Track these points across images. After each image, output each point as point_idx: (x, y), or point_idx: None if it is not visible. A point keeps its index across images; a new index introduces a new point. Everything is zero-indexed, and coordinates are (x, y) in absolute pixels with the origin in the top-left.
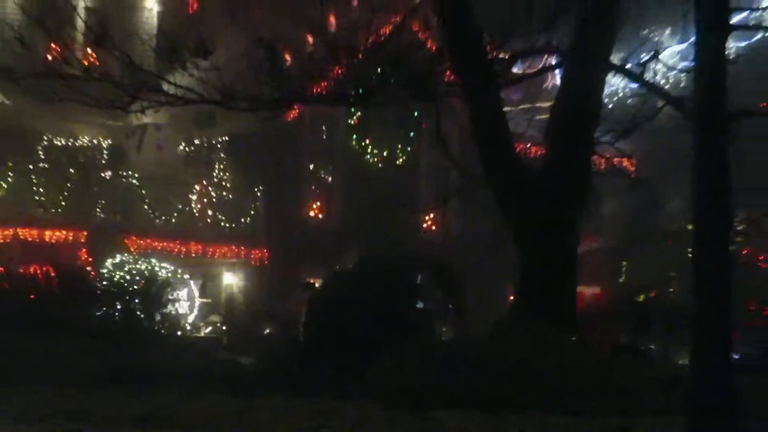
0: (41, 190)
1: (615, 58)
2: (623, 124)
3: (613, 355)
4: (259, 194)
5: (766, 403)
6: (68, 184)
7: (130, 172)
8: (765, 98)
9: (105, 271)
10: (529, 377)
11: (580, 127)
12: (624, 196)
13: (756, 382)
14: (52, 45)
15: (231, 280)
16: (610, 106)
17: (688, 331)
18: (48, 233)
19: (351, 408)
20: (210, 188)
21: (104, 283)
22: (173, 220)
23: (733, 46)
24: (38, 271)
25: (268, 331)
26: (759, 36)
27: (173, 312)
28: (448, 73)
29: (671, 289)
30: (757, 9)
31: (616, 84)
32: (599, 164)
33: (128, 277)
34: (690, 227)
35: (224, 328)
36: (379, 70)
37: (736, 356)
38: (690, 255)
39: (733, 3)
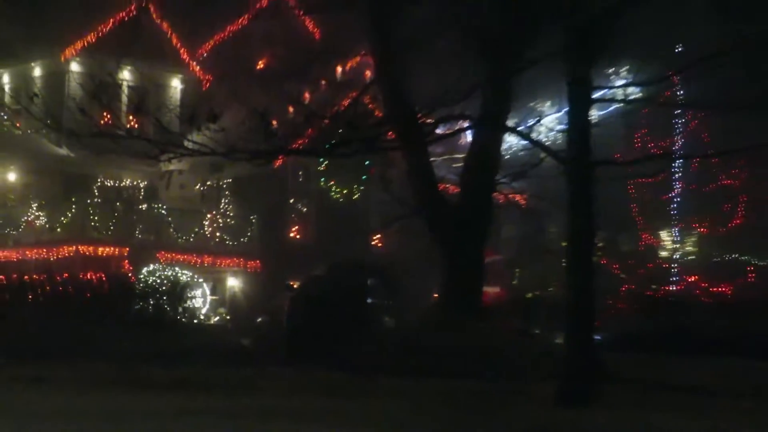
0: (96, 217)
1: (510, 122)
2: (516, 169)
3: (508, 337)
4: (254, 220)
5: (616, 371)
6: (115, 214)
7: (160, 205)
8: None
9: (141, 276)
10: (447, 353)
11: (485, 172)
12: (517, 222)
13: (611, 357)
14: (105, 113)
15: (233, 282)
16: (507, 156)
17: (562, 320)
18: (101, 249)
19: (320, 374)
20: (218, 216)
21: (141, 285)
22: (191, 240)
23: (595, 113)
24: (93, 277)
25: (260, 319)
26: (614, 107)
27: (191, 306)
28: (390, 133)
29: (551, 289)
30: (612, 87)
31: (511, 141)
32: (499, 199)
33: (158, 281)
34: (564, 244)
35: (228, 317)
36: (340, 131)
37: (597, 337)
38: (564, 264)
39: (593, 81)
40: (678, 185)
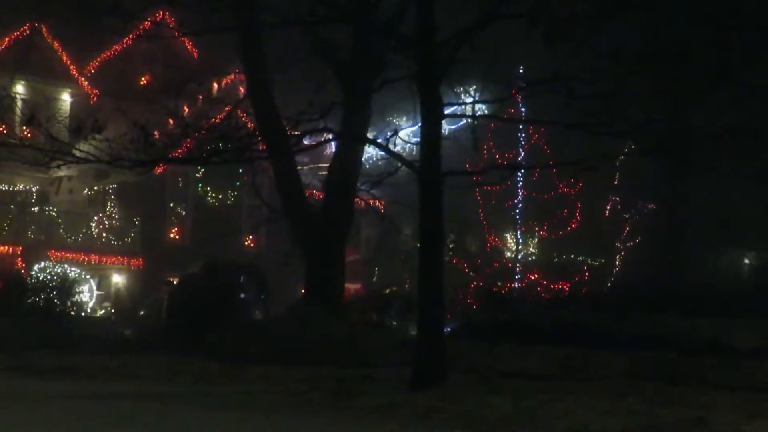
0: None
1: (370, 134)
2: (375, 177)
3: (366, 329)
4: (137, 222)
5: (461, 359)
6: (9, 216)
7: (51, 208)
8: (468, 162)
9: (33, 273)
10: (306, 343)
11: (347, 180)
12: (375, 225)
13: (457, 346)
14: None
15: (118, 279)
16: (367, 166)
17: (415, 312)
18: None
19: (193, 361)
20: (104, 218)
21: (33, 281)
22: (80, 240)
23: (446, 127)
24: None
25: (142, 312)
26: (463, 122)
27: (79, 300)
28: (260, 144)
29: (406, 286)
30: (461, 104)
31: (370, 151)
32: (360, 204)
33: (49, 277)
34: (418, 245)
35: (113, 310)
36: (215, 141)
37: (447, 329)
38: (417, 263)
39: (445, 99)
40: (521, 192)
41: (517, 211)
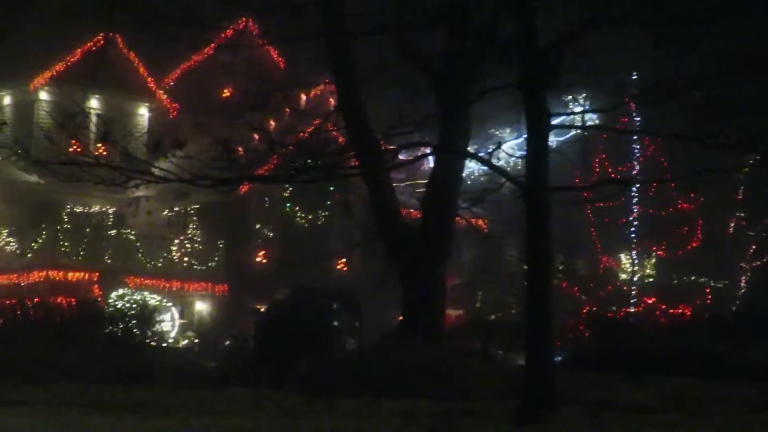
0: (65, 243)
1: (471, 148)
2: (476, 194)
3: (468, 358)
4: (220, 245)
5: (573, 391)
6: (85, 239)
7: (128, 231)
8: (578, 176)
9: (111, 300)
10: (403, 375)
11: (446, 197)
12: (478, 246)
13: (569, 378)
14: (73, 142)
15: (201, 306)
16: (468, 182)
17: (522, 341)
18: (70, 274)
19: (281, 395)
20: (185, 241)
21: (110, 309)
22: (159, 264)
23: (554, 139)
24: (63, 302)
25: (227, 342)
26: (572, 133)
27: (160, 329)
28: (353, 160)
29: (512, 311)
30: (570, 114)
31: (472, 166)
32: (461, 223)
33: (127, 305)
34: (525, 267)
35: (196, 340)
36: (304, 158)
37: (557, 358)
38: (524, 287)
39: (552, 109)
40: (636, 209)
41: (632, 229)
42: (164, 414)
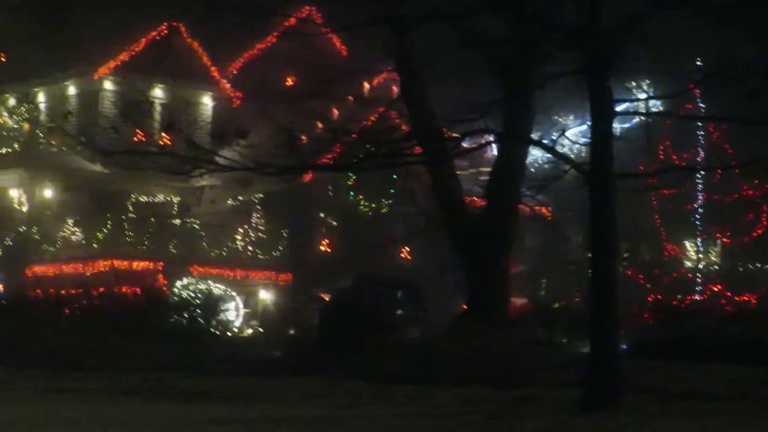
0: (130, 233)
1: (535, 135)
2: (540, 182)
3: (532, 346)
4: (284, 234)
5: (637, 378)
6: (149, 229)
7: (193, 220)
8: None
9: (175, 290)
10: (467, 362)
11: (510, 185)
12: (541, 233)
13: (634, 365)
14: (137, 131)
15: (265, 295)
16: (532, 169)
17: (586, 329)
18: (135, 263)
19: (345, 383)
20: (249, 230)
21: (175, 298)
22: (224, 253)
23: (618, 126)
24: (128, 291)
25: (291, 332)
26: (635, 120)
27: (224, 318)
28: (416, 147)
29: (576, 299)
30: (633, 100)
31: (535, 153)
32: (524, 211)
33: (192, 294)
34: (589, 255)
35: (261, 330)
36: (367, 146)
37: (623, 346)
38: (589, 275)
39: (616, 95)
40: (701, 196)
41: (697, 216)
42: (227, 401)
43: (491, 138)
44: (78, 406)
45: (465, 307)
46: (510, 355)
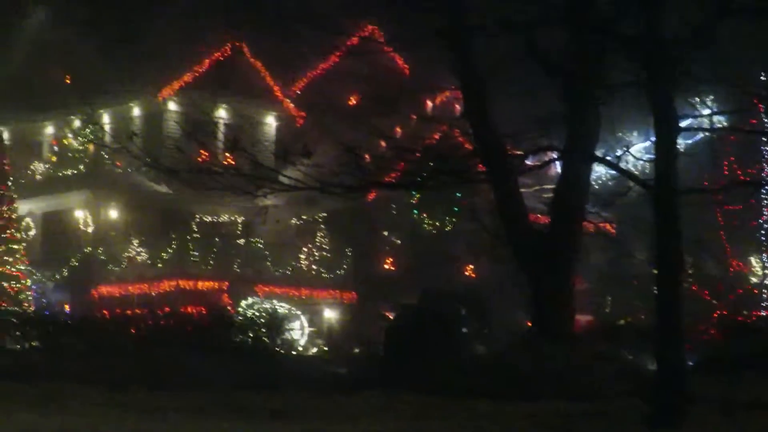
0: (195, 253)
1: (598, 152)
2: (604, 198)
3: (597, 363)
4: (348, 253)
5: (704, 392)
6: (214, 249)
7: (257, 239)
8: (707, 179)
9: (241, 309)
10: (531, 378)
11: (574, 202)
12: (605, 250)
13: (700, 380)
14: (202, 151)
15: (330, 314)
16: (596, 186)
17: (652, 345)
18: (200, 283)
19: (411, 399)
20: (314, 249)
21: (240, 318)
22: (288, 273)
23: (682, 142)
24: (194, 311)
25: (356, 350)
26: (700, 135)
27: (289, 338)
28: (479, 165)
29: (642, 316)
30: (698, 116)
31: (599, 170)
32: (588, 228)
33: (257, 313)
34: (654, 271)
35: (326, 348)
36: (431, 164)
37: (690, 362)
38: (654, 291)
39: (679, 110)
40: (766, 211)
41: (762, 231)
42: (303, 419)
43: (554, 155)
44: (154, 426)
45: (530, 324)
46: (576, 369)
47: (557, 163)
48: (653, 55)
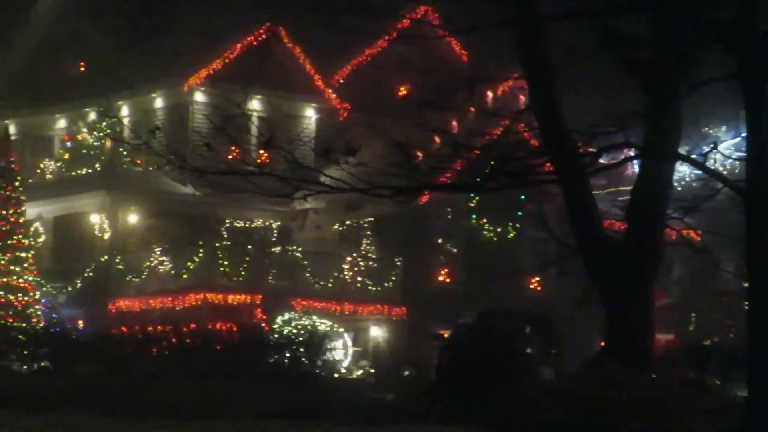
0: (225, 262)
1: (682, 150)
2: (688, 202)
3: (679, 389)
4: (397, 263)
5: None
6: (246, 258)
7: (295, 247)
8: None
9: (276, 326)
10: (607, 408)
11: (654, 206)
12: (690, 261)
13: None
14: (232, 147)
15: (376, 332)
16: (679, 188)
17: (743, 369)
18: (231, 297)
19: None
20: (358, 259)
21: (275, 336)
22: (330, 285)
23: None
24: (223, 327)
25: (407, 373)
26: None
27: (330, 358)
28: (546, 164)
29: (731, 335)
30: None
31: (682, 170)
32: (670, 236)
33: (294, 331)
34: (745, 285)
35: (371, 370)
36: (491, 163)
37: None
38: (745, 307)
39: None
40: None
41: None
42: None
43: (632, 153)
44: None
45: (603, 343)
46: (657, 399)
47: (635, 162)
48: (747, 44)
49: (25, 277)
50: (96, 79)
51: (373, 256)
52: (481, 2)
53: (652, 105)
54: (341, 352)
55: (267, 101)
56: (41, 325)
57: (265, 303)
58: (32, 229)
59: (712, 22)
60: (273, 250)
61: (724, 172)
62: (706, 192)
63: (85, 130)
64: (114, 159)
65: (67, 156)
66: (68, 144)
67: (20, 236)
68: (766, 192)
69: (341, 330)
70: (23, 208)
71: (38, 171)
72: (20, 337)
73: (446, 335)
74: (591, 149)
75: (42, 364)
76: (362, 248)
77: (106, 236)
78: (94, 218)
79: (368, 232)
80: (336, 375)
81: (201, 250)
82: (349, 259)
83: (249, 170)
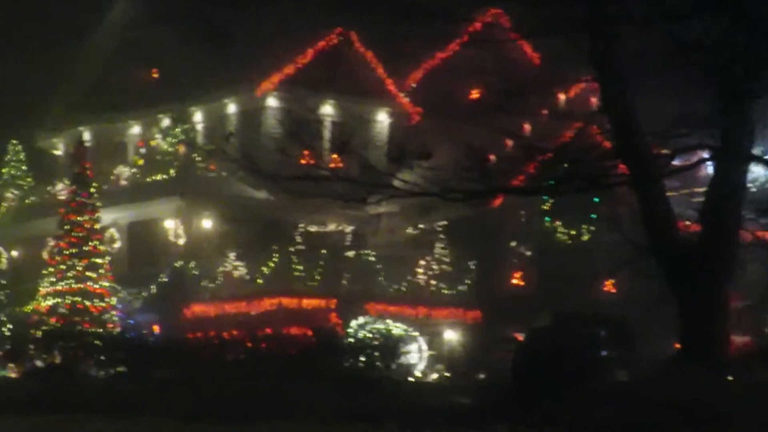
0: (299, 267)
1: (756, 150)
2: (764, 203)
3: (758, 393)
4: (471, 267)
5: None
6: (320, 262)
7: (369, 252)
8: None
9: (351, 330)
10: (682, 411)
11: (729, 207)
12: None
13: None
14: (306, 152)
15: (451, 336)
16: (754, 189)
17: None
18: (305, 301)
19: None
20: (432, 263)
21: (350, 339)
22: (403, 289)
23: None
24: (298, 332)
25: (482, 376)
26: None
27: (405, 362)
28: (620, 167)
29: None
30: None
31: (757, 171)
32: (746, 237)
33: (369, 335)
34: None
35: (447, 374)
36: (565, 165)
37: None
38: None
39: None
40: None
41: None
42: None
43: (706, 155)
44: None
45: (678, 346)
46: (733, 403)
47: (709, 163)
48: None
49: (101, 283)
50: (169, 85)
51: (447, 260)
52: (553, 4)
53: (727, 106)
54: (416, 355)
55: (339, 106)
56: (117, 330)
57: (339, 307)
58: (107, 235)
59: None
60: (347, 254)
61: None
62: None
63: (159, 136)
64: (188, 165)
65: (141, 162)
66: (142, 150)
67: (96, 242)
68: None
69: (415, 334)
70: (98, 215)
71: (113, 177)
72: (97, 342)
73: (521, 338)
74: (664, 151)
75: (118, 369)
76: (436, 252)
77: (181, 241)
78: (169, 224)
79: (442, 236)
80: (411, 378)
81: (275, 255)
82: (422, 263)
83: (323, 175)
